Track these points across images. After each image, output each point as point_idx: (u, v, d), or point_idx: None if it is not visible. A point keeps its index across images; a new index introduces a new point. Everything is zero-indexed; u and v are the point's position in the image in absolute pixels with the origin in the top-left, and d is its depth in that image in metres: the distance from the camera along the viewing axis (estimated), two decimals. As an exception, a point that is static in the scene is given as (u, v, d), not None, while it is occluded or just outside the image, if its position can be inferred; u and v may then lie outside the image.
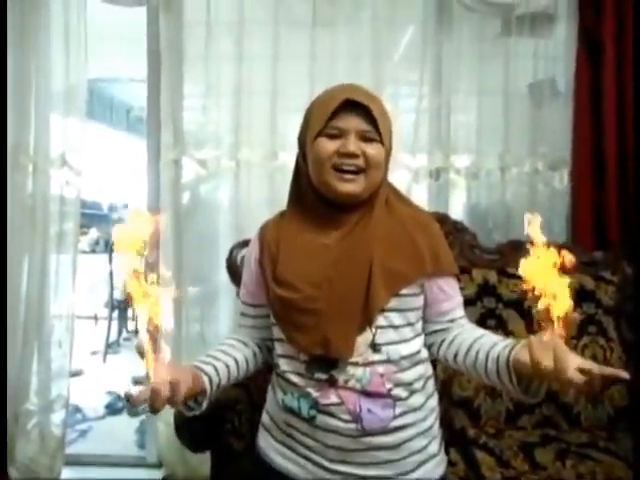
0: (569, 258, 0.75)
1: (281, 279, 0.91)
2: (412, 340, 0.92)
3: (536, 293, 0.75)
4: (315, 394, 0.88)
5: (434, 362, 1.00)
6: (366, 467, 0.89)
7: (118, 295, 4.08)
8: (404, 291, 0.89)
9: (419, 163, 1.99)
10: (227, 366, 0.94)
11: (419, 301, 0.93)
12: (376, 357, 0.87)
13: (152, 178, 2.06)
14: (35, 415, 1.99)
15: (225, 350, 0.98)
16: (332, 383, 0.87)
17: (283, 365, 0.93)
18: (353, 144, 0.88)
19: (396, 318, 0.89)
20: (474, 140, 2.01)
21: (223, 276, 1.70)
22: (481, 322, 1.60)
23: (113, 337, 4.12)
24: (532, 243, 0.76)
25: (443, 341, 0.96)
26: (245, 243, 1.50)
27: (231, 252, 1.62)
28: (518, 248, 1.61)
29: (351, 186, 0.89)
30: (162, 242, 1.92)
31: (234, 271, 1.59)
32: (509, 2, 1.92)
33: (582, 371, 0.71)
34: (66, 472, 2.02)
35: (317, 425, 0.88)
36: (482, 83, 1.98)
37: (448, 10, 1.98)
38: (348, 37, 1.93)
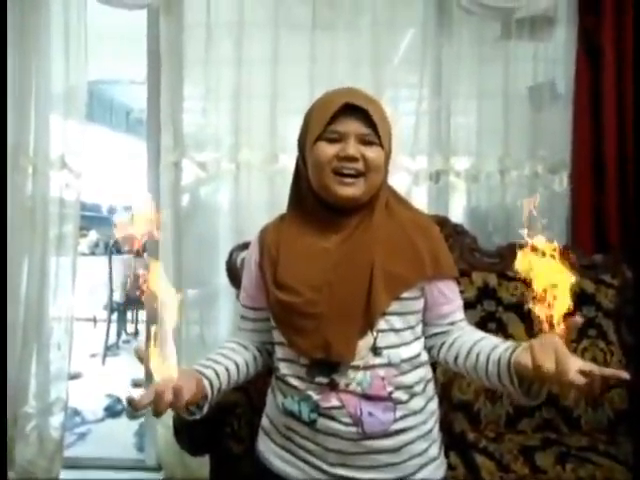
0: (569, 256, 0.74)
1: (281, 283, 0.91)
2: (412, 343, 0.92)
3: (536, 295, 0.75)
4: (316, 397, 0.87)
5: (434, 365, 1.00)
6: (366, 470, 0.88)
7: (117, 297, 4.07)
8: (405, 294, 0.89)
9: (419, 166, 1.99)
10: (228, 370, 0.94)
11: (419, 304, 0.93)
12: (377, 360, 0.87)
13: (152, 180, 2.06)
14: (34, 418, 1.99)
15: (225, 354, 0.97)
16: (333, 387, 0.87)
17: (283, 369, 0.93)
18: (353, 148, 0.88)
19: (397, 321, 0.89)
20: (474, 143, 2.01)
21: (223, 278, 1.70)
22: (481, 325, 1.59)
23: (112, 339, 4.11)
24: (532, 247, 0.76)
25: (443, 344, 0.96)
26: (245, 246, 1.50)
27: (231, 255, 1.62)
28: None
29: (351, 190, 0.89)
30: (162, 244, 1.92)
31: (234, 274, 1.59)
32: (509, 5, 1.92)
33: (583, 373, 0.71)
34: (65, 475, 2.01)
35: (318, 428, 0.88)
36: (482, 86, 1.99)
37: (448, 13, 1.98)
38: (348, 40, 1.93)
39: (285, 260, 0.93)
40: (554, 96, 2.00)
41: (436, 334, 0.96)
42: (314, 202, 0.94)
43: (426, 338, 0.96)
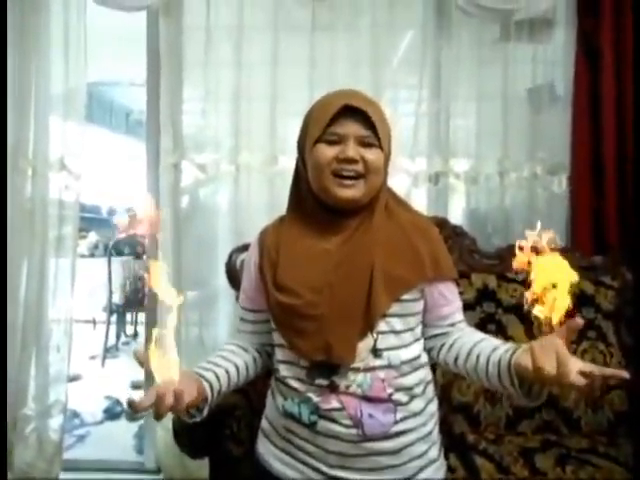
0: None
1: (281, 284, 0.91)
2: (412, 345, 0.92)
3: (535, 296, 0.75)
4: (316, 399, 0.87)
5: (433, 367, 1.00)
6: (366, 472, 0.88)
7: (117, 299, 4.07)
8: (405, 296, 0.89)
9: (418, 167, 1.99)
10: (227, 372, 0.94)
11: (419, 306, 0.93)
12: (377, 362, 0.87)
13: (151, 182, 2.06)
14: (33, 420, 1.98)
15: (225, 356, 0.97)
16: (333, 389, 0.87)
17: (283, 371, 0.93)
18: (352, 150, 0.88)
19: (397, 323, 0.89)
20: (473, 144, 2.01)
21: (222, 280, 1.70)
22: (480, 327, 1.59)
23: (111, 341, 4.10)
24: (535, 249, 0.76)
25: (443, 345, 0.96)
26: (244, 247, 1.50)
27: (230, 256, 1.62)
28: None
29: (351, 192, 0.89)
30: (161, 246, 1.92)
31: (233, 275, 1.59)
32: (508, 7, 1.92)
33: (583, 374, 0.72)
34: (64, 477, 2.01)
35: (318, 431, 0.88)
36: (481, 88, 1.99)
37: (447, 15, 1.98)
38: (347, 42, 1.94)
39: (285, 262, 0.93)
40: (553, 98, 2.00)
41: (436, 335, 0.96)
42: (314, 204, 0.94)
43: (426, 339, 0.96)
